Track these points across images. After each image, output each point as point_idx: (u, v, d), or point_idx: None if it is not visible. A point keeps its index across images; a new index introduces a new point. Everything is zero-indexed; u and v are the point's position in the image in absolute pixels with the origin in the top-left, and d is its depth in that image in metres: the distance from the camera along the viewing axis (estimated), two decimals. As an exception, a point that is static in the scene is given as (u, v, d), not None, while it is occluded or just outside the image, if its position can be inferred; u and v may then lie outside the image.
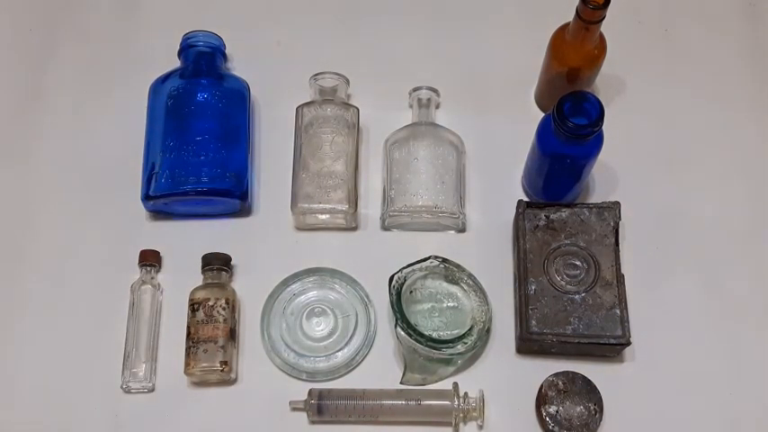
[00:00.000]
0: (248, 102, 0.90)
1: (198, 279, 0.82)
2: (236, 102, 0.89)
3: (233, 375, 0.80)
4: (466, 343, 0.78)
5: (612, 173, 0.90)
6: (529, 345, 0.79)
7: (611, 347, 0.78)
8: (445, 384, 0.79)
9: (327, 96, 0.89)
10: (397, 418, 0.77)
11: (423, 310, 0.81)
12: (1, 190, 0.89)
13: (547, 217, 0.83)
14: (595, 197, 0.89)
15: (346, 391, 0.78)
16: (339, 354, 0.80)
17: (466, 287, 0.82)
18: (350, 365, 0.80)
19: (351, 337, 0.81)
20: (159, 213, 0.87)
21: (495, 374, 0.80)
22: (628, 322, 0.77)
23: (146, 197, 0.84)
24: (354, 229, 0.88)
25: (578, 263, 0.81)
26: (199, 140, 0.84)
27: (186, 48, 0.90)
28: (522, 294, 0.79)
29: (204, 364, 0.77)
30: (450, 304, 0.81)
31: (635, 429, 0.78)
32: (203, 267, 0.82)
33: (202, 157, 0.84)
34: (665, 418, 0.78)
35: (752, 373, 0.80)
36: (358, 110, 0.89)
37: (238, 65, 0.96)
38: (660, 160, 0.91)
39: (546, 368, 0.79)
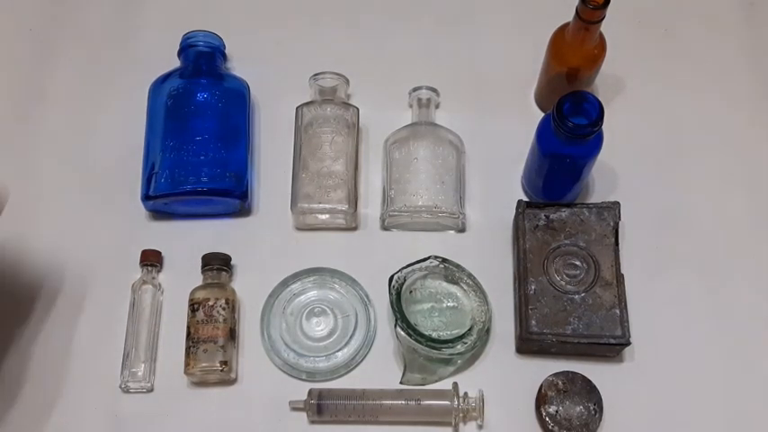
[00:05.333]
0: (248, 102, 0.90)
1: (198, 279, 0.82)
2: (236, 102, 0.89)
3: (233, 375, 0.80)
4: (466, 343, 0.78)
5: (612, 173, 0.90)
6: (529, 345, 0.79)
7: (611, 347, 0.78)
8: (445, 384, 0.79)
9: (327, 96, 0.89)
10: (396, 418, 0.77)
11: (422, 309, 0.81)
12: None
13: (547, 217, 0.83)
14: (595, 197, 0.88)
15: (346, 391, 0.78)
16: (339, 354, 0.80)
17: (466, 287, 0.82)
18: (350, 365, 0.80)
19: (351, 337, 0.81)
20: (159, 213, 0.87)
21: (495, 374, 0.80)
22: (627, 322, 0.77)
23: (146, 197, 0.84)
24: (354, 229, 0.88)
25: (578, 263, 0.81)
26: (199, 140, 0.84)
27: (186, 48, 0.90)
28: (522, 294, 0.79)
29: (204, 364, 0.77)
30: (450, 304, 0.81)
31: (635, 429, 0.78)
32: (203, 267, 0.82)
33: (202, 157, 0.84)
34: (664, 418, 0.78)
35: (752, 373, 0.80)
36: (358, 110, 0.89)
37: (238, 65, 0.96)
38: (660, 160, 0.91)
39: (546, 368, 0.79)
